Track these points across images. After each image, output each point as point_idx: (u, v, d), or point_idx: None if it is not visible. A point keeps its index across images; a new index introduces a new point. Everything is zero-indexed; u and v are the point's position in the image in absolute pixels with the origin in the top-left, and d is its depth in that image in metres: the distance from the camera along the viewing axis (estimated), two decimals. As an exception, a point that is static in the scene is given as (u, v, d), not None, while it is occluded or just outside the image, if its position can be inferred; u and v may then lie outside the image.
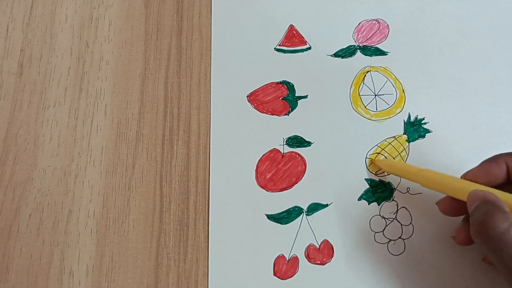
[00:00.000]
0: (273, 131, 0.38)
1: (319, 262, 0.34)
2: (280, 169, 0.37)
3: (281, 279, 0.34)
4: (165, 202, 0.36)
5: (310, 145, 0.37)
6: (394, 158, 0.37)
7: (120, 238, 0.35)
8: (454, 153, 0.37)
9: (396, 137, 0.38)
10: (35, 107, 0.38)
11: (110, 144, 0.37)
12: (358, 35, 0.41)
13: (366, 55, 0.40)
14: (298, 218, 0.35)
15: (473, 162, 0.36)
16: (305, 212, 0.35)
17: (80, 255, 0.34)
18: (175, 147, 0.37)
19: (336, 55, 0.40)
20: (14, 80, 0.39)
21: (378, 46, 0.41)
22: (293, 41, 0.41)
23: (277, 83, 0.39)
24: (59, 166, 0.37)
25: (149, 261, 0.34)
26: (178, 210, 0.36)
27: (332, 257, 0.34)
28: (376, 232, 0.35)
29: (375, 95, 0.39)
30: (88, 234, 0.35)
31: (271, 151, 0.37)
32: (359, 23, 0.42)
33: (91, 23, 0.41)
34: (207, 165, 0.37)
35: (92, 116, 0.38)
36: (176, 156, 0.37)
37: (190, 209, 0.36)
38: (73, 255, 0.34)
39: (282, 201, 0.36)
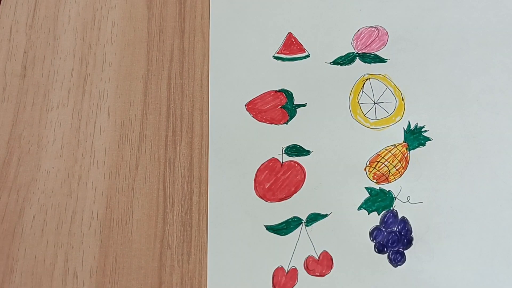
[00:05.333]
0: (271, 140, 0.38)
1: (318, 274, 0.34)
2: (279, 178, 0.37)
3: (280, 291, 0.34)
4: (168, 203, 0.36)
5: (309, 154, 0.37)
6: (394, 166, 0.37)
7: (124, 239, 0.35)
8: (455, 161, 0.37)
9: (396, 145, 0.37)
10: (38, 109, 0.39)
11: (113, 145, 0.38)
12: (357, 42, 0.41)
13: (365, 62, 0.40)
14: (297, 229, 0.35)
15: (474, 170, 0.36)
16: (304, 222, 0.35)
17: (84, 256, 0.34)
18: (178, 148, 0.38)
19: (335, 62, 0.40)
20: (18, 82, 0.39)
21: (377, 53, 0.41)
22: (291, 48, 0.41)
23: (276, 91, 0.39)
24: (63, 168, 0.37)
25: (152, 262, 0.34)
26: (182, 211, 0.36)
27: (331, 268, 0.34)
28: (376, 243, 0.35)
29: (375, 103, 0.39)
30: (92, 235, 0.35)
31: (269, 160, 0.37)
32: (358, 30, 0.41)
33: (94, 24, 0.42)
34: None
35: (95, 117, 0.38)
36: (179, 157, 0.37)
37: (193, 210, 0.36)
38: (77, 256, 0.34)
39: (281, 211, 0.36)
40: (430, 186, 0.36)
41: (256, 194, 0.36)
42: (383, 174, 0.37)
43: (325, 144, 0.38)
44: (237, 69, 0.40)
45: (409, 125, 0.38)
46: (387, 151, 0.37)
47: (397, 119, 0.38)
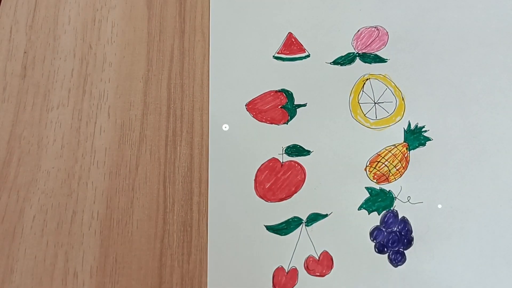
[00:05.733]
0: (272, 140, 0.38)
1: (318, 274, 0.34)
2: (279, 178, 0.37)
3: (281, 291, 0.34)
4: (168, 203, 0.36)
5: (309, 154, 0.37)
6: (394, 166, 0.37)
7: (124, 239, 0.35)
8: (455, 161, 0.37)
9: (396, 145, 0.38)
10: (38, 109, 0.39)
11: (114, 145, 0.38)
12: (357, 42, 0.41)
13: (365, 62, 0.40)
14: (297, 229, 0.35)
15: (474, 170, 0.36)
16: (305, 222, 0.35)
17: (84, 256, 0.34)
18: (178, 148, 0.38)
19: (335, 62, 0.40)
20: (18, 82, 0.39)
21: (377, 53, 0.40)
22: (292, 48, 0.41)
23: (276, 91, 0.39)
24: (63, 168, 0.37)
25: (153, 262, 0.34)
26: (182, 211, 0.36)
27: (331, 268, 0.34)
28: (376, 243, 0.35)
29: (375, 103, 0.39)
30: (92, 235, 0.35)
31: (270, 160, 0.37)
32: (358, 30, 0.41)
33: (94, 25, 0.42)
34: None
35: (96, 117, 0.38)
36: (179, 157, 0.37)
37: (193, 210, 0.36)
38: (77, 256, 0.34)
39: (281, 211, 0.36)
40: (430, 186, 0.36)
41: (256, 194, 0.36)
42: (383, 174, 0.37)
43: (325, 144, 0.38)
44: (237, 69, 0.40)
45: (409, 125, 0.38)
46: (387, 151, 0.37)
47: (397, 119, 0.38)
